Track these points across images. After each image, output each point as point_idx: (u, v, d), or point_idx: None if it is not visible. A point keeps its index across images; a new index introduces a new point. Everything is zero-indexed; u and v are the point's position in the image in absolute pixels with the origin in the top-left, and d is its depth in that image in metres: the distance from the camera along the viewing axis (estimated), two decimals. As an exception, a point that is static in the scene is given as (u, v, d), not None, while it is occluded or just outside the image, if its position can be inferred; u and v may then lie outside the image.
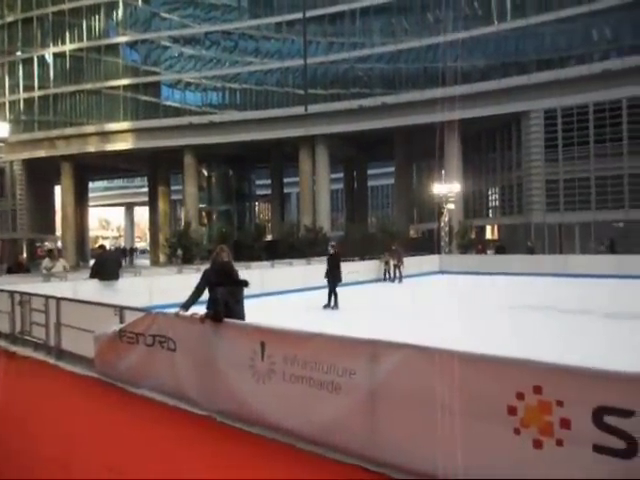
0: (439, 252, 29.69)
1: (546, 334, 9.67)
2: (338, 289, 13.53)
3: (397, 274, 21.48)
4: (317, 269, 17.82)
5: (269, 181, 50.48)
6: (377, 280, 21.52)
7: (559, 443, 3.05)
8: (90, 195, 57.52)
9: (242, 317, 5.52)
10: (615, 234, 29.22)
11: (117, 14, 46.10)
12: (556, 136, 31.94)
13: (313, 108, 39.42)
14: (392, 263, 21.68)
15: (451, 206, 31.46)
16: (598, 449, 2.91)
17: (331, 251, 13.91)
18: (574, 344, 8.45)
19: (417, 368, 3.66)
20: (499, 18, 34.45)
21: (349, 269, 21.05)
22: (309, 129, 39.12)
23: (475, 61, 35.43)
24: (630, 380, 2.88)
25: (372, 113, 36.95)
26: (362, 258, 24.45)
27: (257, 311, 6.07)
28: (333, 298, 13.38)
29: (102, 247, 15.44)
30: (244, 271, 13.36)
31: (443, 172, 35.20)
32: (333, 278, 13.47)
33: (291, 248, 29.82)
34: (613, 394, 2.91)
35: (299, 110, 39.73)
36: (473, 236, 32.46)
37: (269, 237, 40.54)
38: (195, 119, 42.15)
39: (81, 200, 50.23)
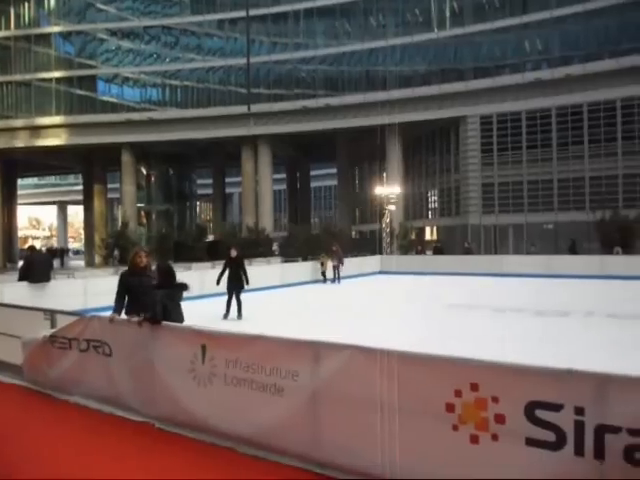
0: (381, 253, 30.24)
1: (482, 332, 10.03)
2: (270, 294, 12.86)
3: (336, 275, 21.57)
4: (259, 271, 17.78)
5: (211, 180, 49.68)
6: (316, 281, 21.58)
7: (494, 438, 3.15)
8: (19, 192, 54.32)
9: (181, 320, 5.39)
10: (545, 236, 30.80)
11: (49, 2, 43.95)
12: (491, 141, 33.29)
13: (256, 108, 39.16)
14: (332, 264, 21.72)
15: (392, 207, 32.08)
16: (530, 442, 3.03)
17: (233, 254, 12.00)
18: (508, 341, 8.80)
19: (359, 368, 3.69)
20: (439, 26, 35.50)
21: (291, 270, 21.16)
22: (251, 129, 38.84)
23: (416, 66, 36.36)
24: (558, 375, 3.01)
25: (315, 114, 37.16)
26: (305, 259, 24.55)
27: (197, 314, 5.94)
28: (236, 307, 11.72)
29: (32, 247, 14.82)
30: (184, 272, 13.09)
31: (385, 174, 35.88)
32: (235, 284, 11.75)
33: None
34: (543, 389, 3.03)
35: (241, 109, 39.36)
36: (413, 237, 33.23)
37: (210, 237, 39.89)
38: (134, 115, 40.85)
39: (9, 197, 47.44)
